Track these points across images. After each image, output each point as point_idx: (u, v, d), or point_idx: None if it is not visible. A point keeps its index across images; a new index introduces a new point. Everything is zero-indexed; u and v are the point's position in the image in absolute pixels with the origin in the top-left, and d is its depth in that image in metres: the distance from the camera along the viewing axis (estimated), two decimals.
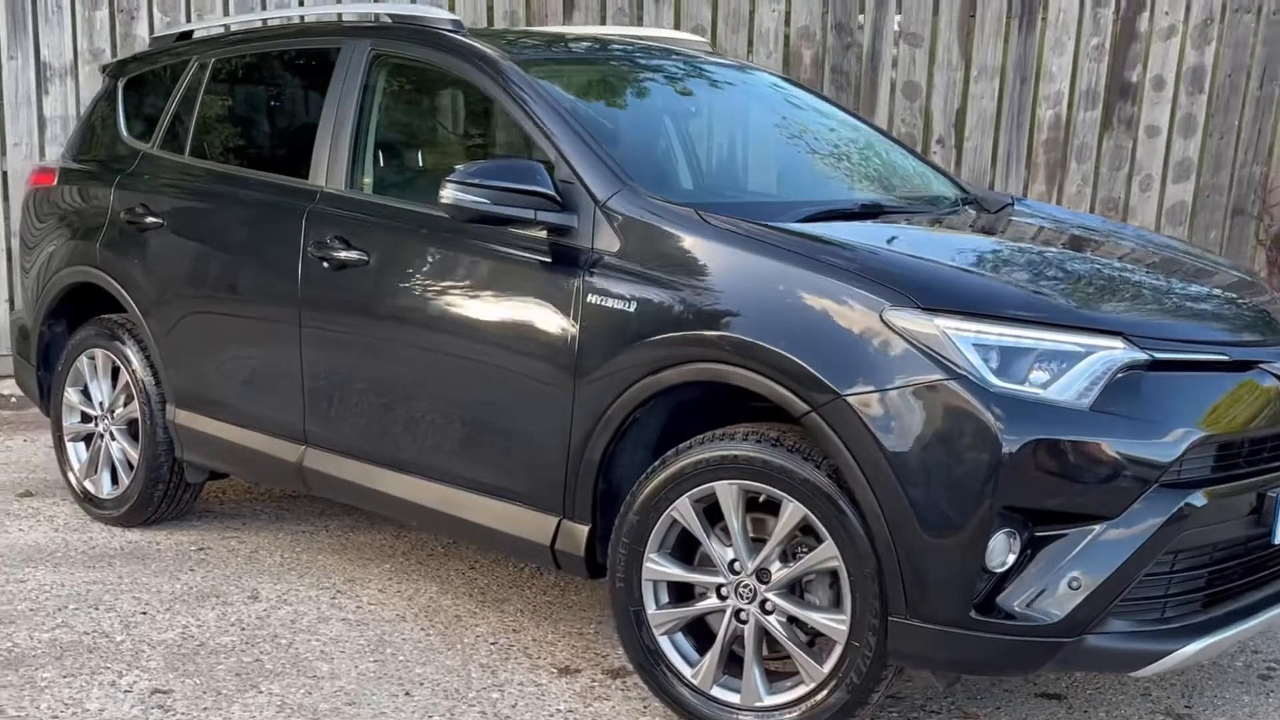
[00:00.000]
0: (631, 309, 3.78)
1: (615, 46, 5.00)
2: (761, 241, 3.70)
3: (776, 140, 4.87)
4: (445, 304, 4.22)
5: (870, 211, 4.31)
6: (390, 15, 4.86)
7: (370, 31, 4.79)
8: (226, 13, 7.36)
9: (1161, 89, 8.02)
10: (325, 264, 4.51)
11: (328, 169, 4.67)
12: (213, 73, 5.30)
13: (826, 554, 3.51)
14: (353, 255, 4.44)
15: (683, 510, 3.70)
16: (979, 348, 3.31)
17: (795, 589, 3.63)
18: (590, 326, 3.85)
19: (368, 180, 4.65)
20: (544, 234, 4.00)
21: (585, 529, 3.96)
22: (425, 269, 4.30)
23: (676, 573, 3.77)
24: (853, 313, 3.42)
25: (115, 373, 5.46)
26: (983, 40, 7.92)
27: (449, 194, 3.93)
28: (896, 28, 7.89)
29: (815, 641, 3.63)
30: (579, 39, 5.23)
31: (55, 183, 5.70)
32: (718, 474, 3.64)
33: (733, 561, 3.67)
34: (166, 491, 5.35)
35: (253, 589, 4.82)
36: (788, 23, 7.84)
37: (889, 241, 3.89)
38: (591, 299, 3.85)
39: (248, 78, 5.29)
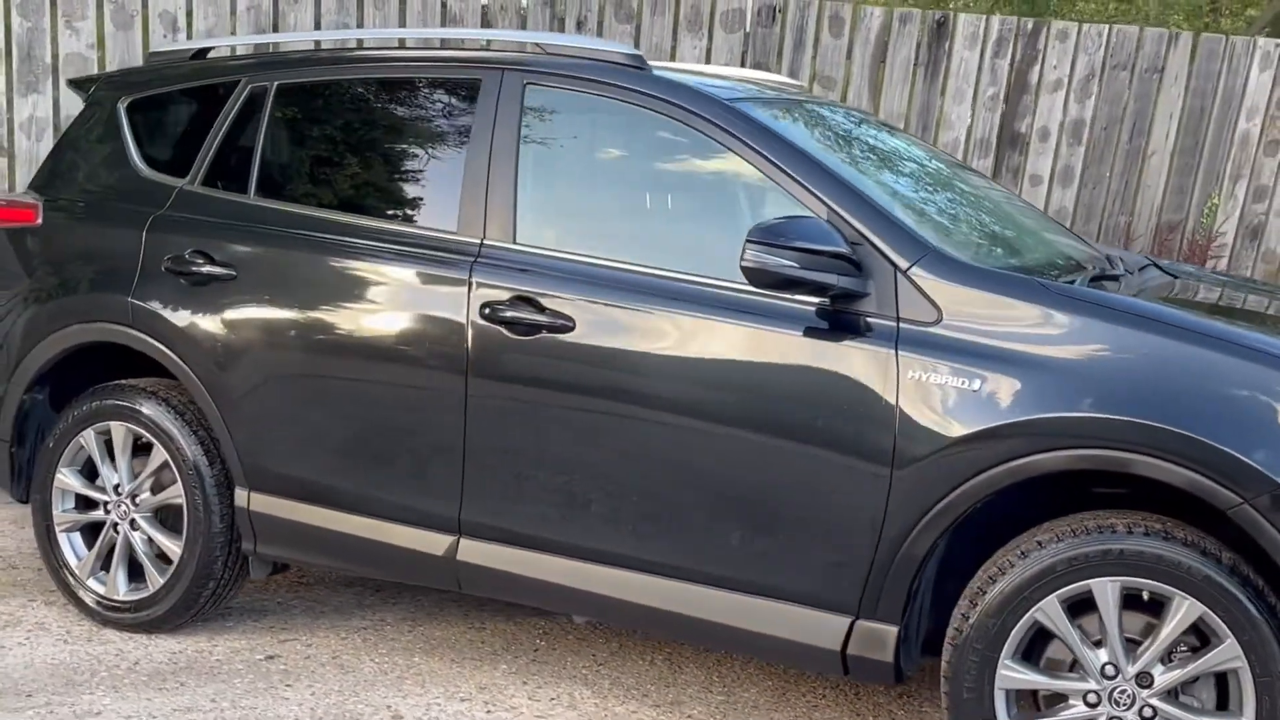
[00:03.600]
0: (976, 387, 3.45)
1: (782, 92, 4.60)
2: (1143, 316, 3.44)
3: (948, 193, 4.59)
4: (687, 377, 3.77)
5: (1108, 275, 4.12)
6: (541, 45, 4.28)
7: (522, 62, 4.20)
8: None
9: (1046, 139, 8.23)
10: (507, 329, 3.92)
11: (485, 219, 4.07)
12: (280, 99, 4.53)
13: (1227, 654, 3.29)
14: (547, 319, 3.87)
15: (1049, 611, 3.40)
16: None
17: (1174, 693, 3.39)
18: (915, 406, 3.49)
19: (549, 233, 4.07)
20: (822, 301, 3.60)
21: (893, 630, 3.59)
22: (650, 337, 3.81)
23: (1040, 681, 3.46)
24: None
25: (139, 450, 4.57)
26: (890, 86, 7.90)
27: (752, 256, 3.50)
28: (810, 71, 7.76)
29: None
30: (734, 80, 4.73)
31: (39, 221, 4.73)
32: (1097, 571, 3.36)
33: (1105, 665, 3.38)
34: (215, 591, 4.54)
35: (385, 705, 4.15)
36: (708, 59, 7.56)
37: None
38: (915, 375, 3.49)
39: (335, 107, 4.54)
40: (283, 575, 5.03)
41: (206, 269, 4.36)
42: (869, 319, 3.58)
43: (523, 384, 3.94)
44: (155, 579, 4.54)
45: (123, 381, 4.60)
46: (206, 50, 4.85)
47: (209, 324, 4.34)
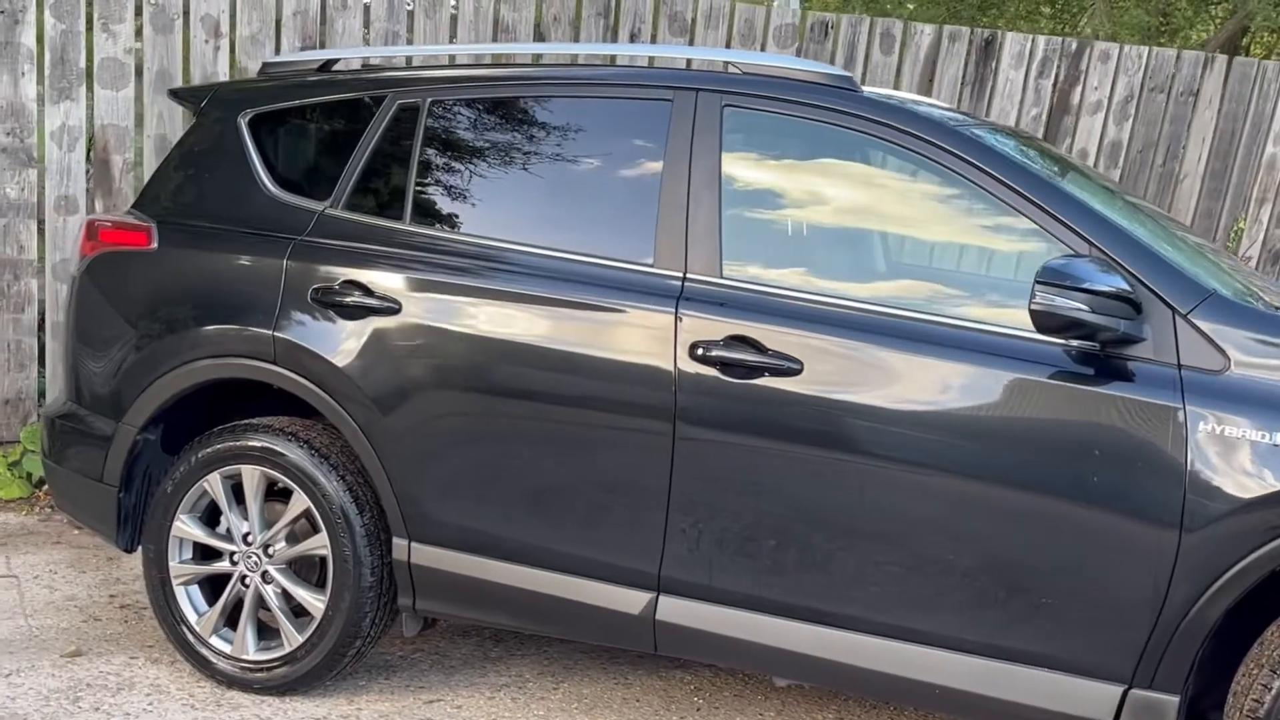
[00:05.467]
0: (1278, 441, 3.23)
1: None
2: None
3: (1156, 224, 4.33)
4: (932, 426, 3.52)
5: None
6: (735, 64, 4.00)
7: (718, 82, 3.91)
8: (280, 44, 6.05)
9: (1084, 161, 8.12)
10: (722, 371, 3.63)
11: (687, 251, 3.78)
12: (435, 117, 4.18)
13: None
14: (770, 361, 3.60)
15: None
16: None
17: None
18: (1207, 461, 3.27)
19: (758, 266, 3.80)
20: (1086, 345, 3.38)
21: (1174, 700, 3.37)
22: (890, 382, 3.55)
23: None
24: None
25: (275, 495, 4.20)
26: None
27: (1043, 299, 3.26)
28: None
29: None
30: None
31: (154, 245, 4.32)
32: None
33: None
34: (360, 649, 4.18)
35: None
36: None
37: None
38: (1208, 428, 3.27)
39: (500, 127, 4.19)
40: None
41: (363, 301, 4.00)
42: (1143, 365, 3.36)
43: (739, 431, 3.65)
44: (293, 637, 4.16)
45: (256, 421, 4.21)
46: (333, 62, 4.47)
47: (367, 361, 3.98)
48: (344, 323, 4.01)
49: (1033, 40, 7.82)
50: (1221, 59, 8.22)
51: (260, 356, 4.09)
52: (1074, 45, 7.88)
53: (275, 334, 4.06)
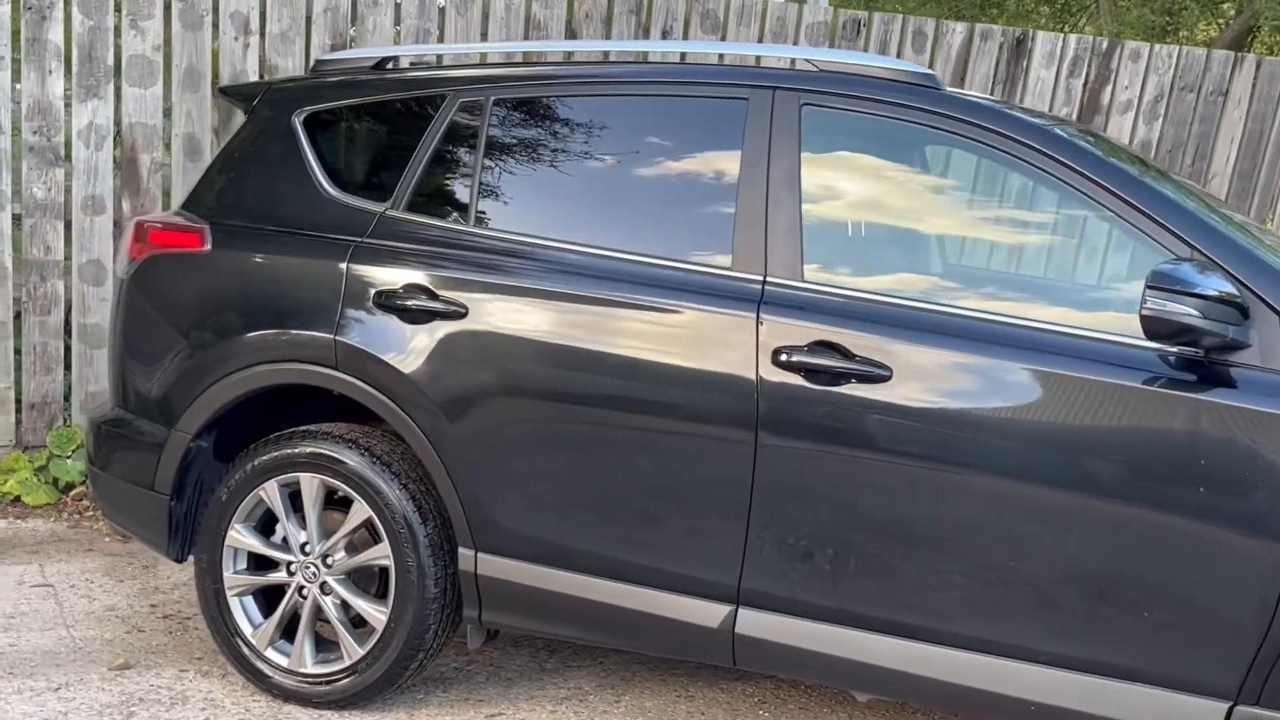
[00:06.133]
0: None
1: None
2: None
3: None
4: (1029, 435, 3.42)
5: None
6: (813, 61, 3.89)
7: (796, 81, 3.81)
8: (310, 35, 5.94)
9: None
10: (807, 378, 3.53)
11: (766, 254, 3.68)
12: (498, 116, 4.07)
13: None
14: (858, 368, 3.50)
15: None
16: None
17: None
18: None
19: (841, 270, 3.70)
20: (1188, 351, 3.28)
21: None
22: (985, 389, 3.45)
23: None
24: None
25: (332, 504, 4.09)
26: None
27: (1154, 304, 3.16)
28: None
29: None
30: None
31: (207, 247, 4.20)
32: None
33: None
34: (422, 662, 4.07)
35: None
36: None
37: None
38: None
39: (567, 127, 4.07)
40: None
41: (428, 305, 3.89)
42: (1248, 372, 3.26)
43: (825, 440, 3.55)
44: (353, 650, 4.05)
45: (314, 427, 4.10)
46: (387, 60, 4.35)
47: (434, 366, 3.86)
48: (408, 327, 3.90)
49: (1064, 39, 7.74)
50: (1251, 59, 8.16)
51: (321, 362, 3.97)
52: (1104, 44, 7.81)
53: (337, 338, 3.94)
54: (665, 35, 6.93)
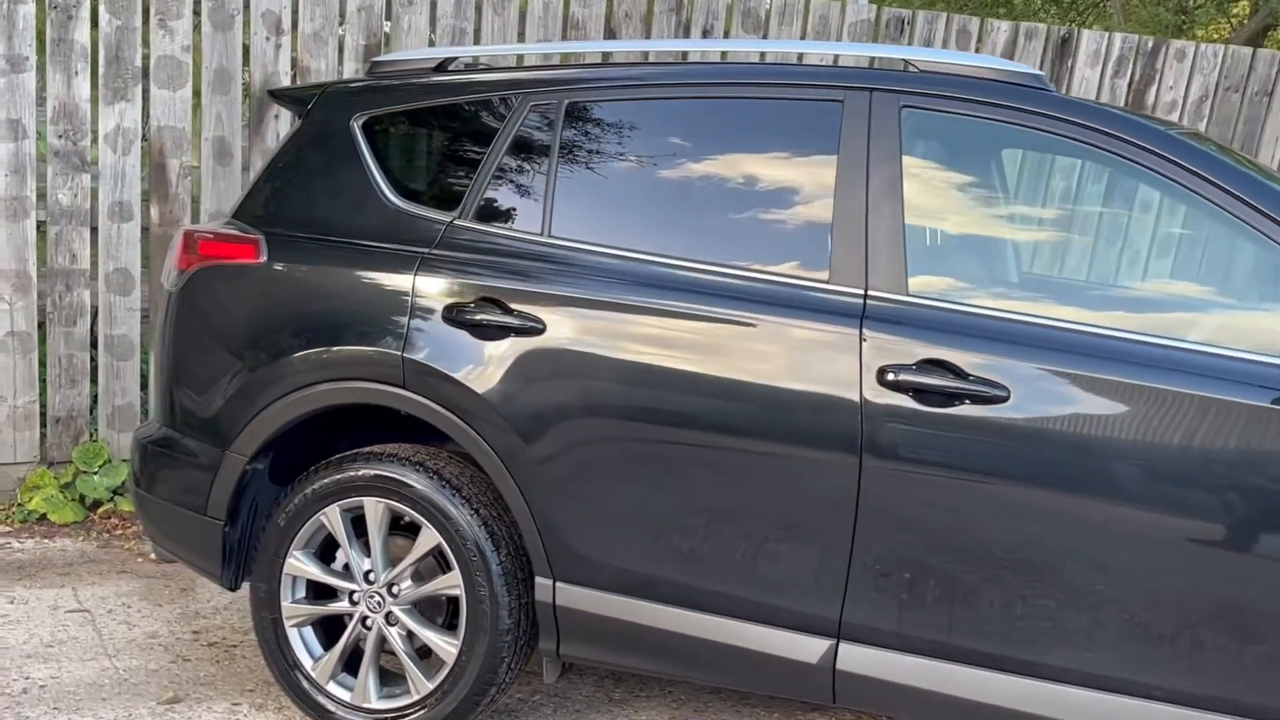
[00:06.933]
0: None
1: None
2: None
3: None
4: (1156, 460, 3.20)
5: None
6: (913, 62, 3.68)
7: (895, 82, 3.60)
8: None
9: None
10: (916, 398, 3.31)
11: (867, 266, 3.46)
12: (573, 122, 3.85)
13: None
14: (972, 388, 3.28)
15: None
16: None
17: None
18: None
19: (948, 283, 3.49)
20: None
21: None
22: (1107, 411, 3.23)
23: None
24: None
25: (397, 530, 3.87)
26: None
27: None
28: None
29: None
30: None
31: (262, 259, 3.97)
32: None
33: None
34: (495, 696, 3.85)
35: None
36: None
37: None
38: None
39: (647, 133, 3.84)
40: None
41: (502, 320, 3.67)
42: None
43: (936, 465, 3.33)
44: (421, 684, 3.83)
45: (379, 449, 3.87)
46: (449, 60, 4.13)
47: (508, 385, 3.64)
48: (481, 343, 3.68)
49: (1108, 38, 7.54)
50: None
51: (388, 380, 3.75)
52: (1150, 44, 7.61)
53: (405, 355, 3.72)
54: (706, 34, 6.71)
